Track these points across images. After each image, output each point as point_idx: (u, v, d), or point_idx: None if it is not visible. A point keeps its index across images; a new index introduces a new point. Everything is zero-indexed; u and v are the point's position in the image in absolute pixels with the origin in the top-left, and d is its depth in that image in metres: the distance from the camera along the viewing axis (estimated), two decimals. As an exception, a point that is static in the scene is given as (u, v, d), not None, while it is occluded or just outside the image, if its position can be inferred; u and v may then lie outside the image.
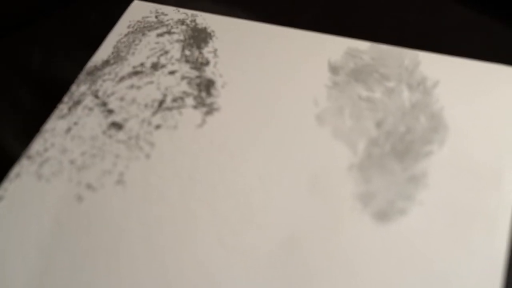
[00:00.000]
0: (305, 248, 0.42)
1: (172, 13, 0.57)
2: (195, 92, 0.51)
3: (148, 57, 0.54)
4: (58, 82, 0.54)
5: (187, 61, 0.53)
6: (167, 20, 0.57)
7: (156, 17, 0.57)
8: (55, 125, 0.50)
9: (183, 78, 0.52)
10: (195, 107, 0.50)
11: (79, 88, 0.53)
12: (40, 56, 0.57)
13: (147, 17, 0.57)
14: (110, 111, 0.51)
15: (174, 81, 0.52)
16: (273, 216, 0.44)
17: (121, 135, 0.49)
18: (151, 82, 0.52)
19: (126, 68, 0.53)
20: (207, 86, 0.52)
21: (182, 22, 0.56)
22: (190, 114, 0.50)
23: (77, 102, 0.52)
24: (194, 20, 0.56)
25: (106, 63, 0.54)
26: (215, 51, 0.54)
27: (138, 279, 0.42)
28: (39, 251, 0.43)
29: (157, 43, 0.55)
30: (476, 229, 0.42)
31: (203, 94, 0.51)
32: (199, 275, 0.41)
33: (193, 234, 0.43)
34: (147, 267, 0.42)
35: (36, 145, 0.49)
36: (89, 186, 0.47)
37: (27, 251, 0.44)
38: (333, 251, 0.42)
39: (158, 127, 0.49)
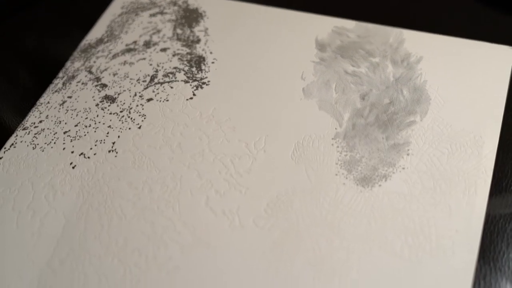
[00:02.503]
0: (289, 209, 0.44)
1: (165, -4, 0.59)
2: (186, 68, 0.53)
3: (140, 36, 0.56)
4: (53, 61, 0.56)
5: (178, 39, 0.55)
6: (160, 1, 0.58)
7: None
8: (50, 99, 0.52)
9: (174, 54, 0.54)
10: (185, 81, 0.52)
11: (73, 64, 0.54)
12: (36, 37, 0.59)
13: None
14: (104, 86, 0.52)
15: (166, 57, 0.54)
16: (258, 180, 0.45)
17: (113, 107, 0.51)
18: (144, 59, 0.54)
19: (119, 46, 0.55)
20: (198, 62, 0.53)
21: (174, 3, 0.58)
22: (181, 88, 0.52)
23: (72, 77, 0.53)
24: (186, 1, 0.58)
25: (100, 41, 0.56)
26: (206, 30, 0.56)
27: (128, 237, 0.43)
28: (33, 212, 0.45)
29: (149, 22, 0.57)
30: (456, 192, 0.44)
31: (194, 69, 0.53)
32: (187, 235, 0.43)
33: (181, 197, 0.45)
34: (137, 226, 0.43)
35: (31, 117, 0.51)
36: (82, 154, 0.48)
37: (21, 212, 0.45)
38: (317, 212, 0.43)
39: (149, 100, 0.51)
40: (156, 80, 0.51)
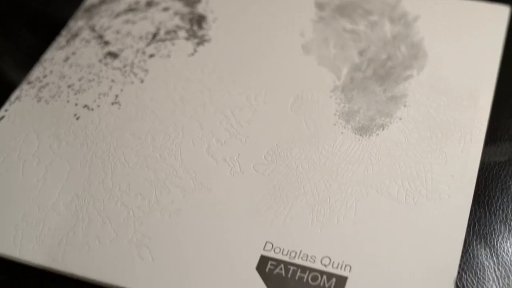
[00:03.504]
0: (289, 156, 0.45)
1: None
2: (187, 26, 0.54)
3: (143, -4, 0.57)
4: (57, 20, 0.57)
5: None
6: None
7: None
8: (54, 55, 0.53)
9: (176, 14, 0.55)
10: (187, 38, 0.53)
11: (77, 23, 0.55)
12: None
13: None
14: (106, 43, 0.53)
15: (168, 16, 0.55)
16: (258, 130, 0.47)
17: (116, 63, 0.52)
18: (145, 18, 0.55)
19: (122, 6, 0.56)
20: (199, 20, 0.54)
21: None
22: (182, 45, 0.53)
23: (75, 35, 0.54)
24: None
25: (103, 1, 0.57)
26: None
27: (132, 182, 0.45)
28: (38, 160, 0.46)
29: (151, -17, 0.58)
30: (452, 141, 0.45)
31: (195, 27, 0.54)
32: (189, 180, 0.45)
33: (183, 145, 0.47)
34: (139, 173, 0.45)
35: (36, 72, 0.52)
36: (86, 106, 0.49)
37: (26, 161, 0.47)
38: (316, 158, 0.45)
39: (151, 56, 0.52)
40: (158, 38, 0.53)
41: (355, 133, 0.45)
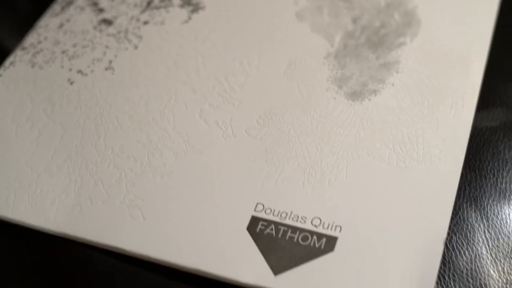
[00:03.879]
0: (281, 120, 0.46)
1: None
2: (182, -6, 0.54)
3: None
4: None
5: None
6: None
7: None
8: (49, 22, 0.53)
9: (170, -19, 0.55)
10: (181, 6, 0.53)
11: (71, -9, 0.55)
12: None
13: None
14: (101, 10, 0.54)
15: (162, -16, 0.55)
16: (251, 95, 0.47)
17: (111, 29, 0.52)
18: (140, -14, 0.55)
19: (116, -26, 0.56)
20: (194, -12, 0.54)
21: None
22: (177, 12, 0.53)
23: (70, 2, 0.55)
24: None
25: (98, -30, 0.57)
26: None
27: (124, 145, 0.45)
28: (32, 123, 0.46)
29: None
30: (444, 106, 0.45)
31: (190, -5, 0.54)
32: (181, 143, 0.45)
33: (176, 109, 0.47)
34: (132, 136, 0.45)
35: (30, 39, 0.52)
36: (80, 72, 0.49)
37: (20, 125, 0.47)
38: (308, 122, 0.45)
39: (146, 23, 0.52)
40: (152, 5, 0.53)
41: (347, 98, 0.45)
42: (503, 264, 0.39)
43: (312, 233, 0.39)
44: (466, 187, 0.42)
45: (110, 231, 0.40)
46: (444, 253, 0.39)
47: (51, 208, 0.41)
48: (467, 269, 0.39)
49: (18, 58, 0.50)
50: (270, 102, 0.45)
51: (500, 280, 0.39)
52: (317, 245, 0.38)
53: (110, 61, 0.49)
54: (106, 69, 0.49)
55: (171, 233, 0.39)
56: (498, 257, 0.40)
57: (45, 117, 0.46)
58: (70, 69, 0.49)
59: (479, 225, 0.40)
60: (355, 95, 0.45)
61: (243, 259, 0.38)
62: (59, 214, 0.41)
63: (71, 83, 0.48)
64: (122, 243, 0.39)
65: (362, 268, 0.37)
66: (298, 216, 0.40)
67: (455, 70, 0.46)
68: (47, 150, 0.44)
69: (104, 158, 0.43)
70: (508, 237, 0.40)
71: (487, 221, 0.41)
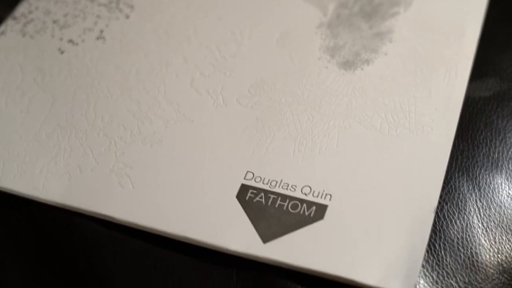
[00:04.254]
0: (272, 89, 0.45)
1: None
2: (175, -37, 0.53)
3: None
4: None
5: None
6: None
7: None
8: (40, -8, 0.53)
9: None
10: (174, -25, 0.53)
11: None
12: None
13: None
14: (93, -20, 0.53)
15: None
16: (243, 64, 0.47)
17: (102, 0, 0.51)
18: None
19: None
20: (186, -42, 0.54)
21: None
22: (169, -19, 0.52)
23: (61, -28, 0.54)
24: None
25: None
26: None
27: (114, 114, 0.45)
28: (22, 92, 0.46)
29: None
30: (437, 76, 0.44)
31: (182, -35, 0.53)
32: (171, 112, 0.45)
33: (167, 78, 0.46)
34: (123, 104, 0.44)
35: (21, 8, 0.52)
36: (70, 41, 0.49)
37: (10, 93, 0.47)
38: (300, 91, 0.45)
39: (138, -8, 0.52)
40: (144, -25, 0.52)
41: (340, 68, 0.45)
42: (495, 233, 0.39)
43: (302, 201, 0.39)
44: (459, 156, 0.42)
45: (99, 199, 0.40)
46: (435, 222, 0.39)
47: (40, 176, 0.41)
48: (458, 238, 0.39)
49: (9, 28, 0.50)
50: (261, 72, 0.45)
51: (491, 249, 0.38)
52: (306, 213, 0.38)
53: (101, 31, 0.49)
54: (97, 38, 0.48)
55: (160, 201, 0.39)
56: (490, 227, 0.39)
57: (36, 86, 0.46)
58: (61, 39, 0.48)
59: (471, 194, 0.40)
60: (348, 65, 0.45)
61: (232, 227, 0.38)
62: (48, 182, 0.40)
63: (62, 53, 0.47)
64: (111, 211, 0.39)
65: (352, 236, 0.37)
66: (288, 185, 0.39)
67: (449, 40, 0.46)
68: (37, 118, 0.44)
69: (94, 127, 0.43)
70: (500, 207, 0.40)
71: (479, 190, 0.40)
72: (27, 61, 0.47)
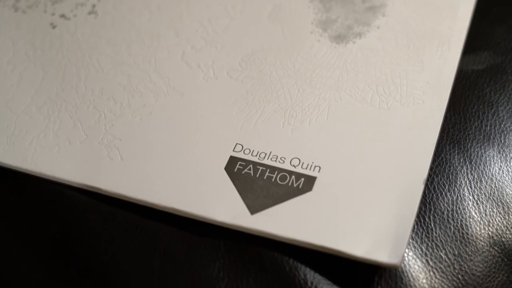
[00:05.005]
0: (263, 62, 0.45)
1: None
2: None
3: None
4: None
5: None
6: None
7: None
8: (33, -32, 0.53)
9: None
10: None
11: None
12: None
13: None
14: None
15: None
16: (234, 38, 0.47)
17: (95, -25, 0.51)
18: None
19: None
20: None
21: None
22: (162, -42, 0.52)
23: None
24: None
25: None
26: None
27: (105, 87, 0.45)
28: (13, 66, 0.46)
29: None
30: (429, 49, 0.44)
31: None
32: (162, 85, 0.44)
33: (158, 52, 0.46)
34: (113, 78, 0.44)
35: (14, -16, 0.51)
36: (62, 16, 0.49)
37: (1, 67, 0.47)
38: (291, 64, 0.45)
39: (130, -31, 0.51)
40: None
41: (332, 41, 0.45)
42: (485, 206, 0.39)
43: (290, 173, 0.38)
44: (450, 129, 0.41)
45: (88, 171, 0.40)
46: (425, 195, 0.38)
47: (29, 148, 0.41)
48: (448, 211, 0.38)
49: (2, 3, 0.50)
50: (253, 45, 0.45)
51: (481, 222, 0.38)
52: (295, 185, 0.38)
53: (94, 6, 0.49)
54: (89, 13, 0.48)
55: (149, 173, 0.39)
56: (480, 199, 0.39)
57: (27, 60, 0.46)
58: (53, 14, 0.48)
59: (462, 167, 0.40)
60: (340, 38, 0.45)
61: (220, 199, 0.38)
62: (37, 154, 0.40)
63: (54, 27, 0.47)
64: (100, 183, 0.39)
65: (341, 208, 0.37)
66: (277, 157, 0.39)
67: (442, 15, 0.46)
68: (27, 92, 0.44)
69: (84, 100, 0.43)
70: (491, 180, 0.40)
71: (470, 163, 0.40)
72: (19, 36, 0.47)
